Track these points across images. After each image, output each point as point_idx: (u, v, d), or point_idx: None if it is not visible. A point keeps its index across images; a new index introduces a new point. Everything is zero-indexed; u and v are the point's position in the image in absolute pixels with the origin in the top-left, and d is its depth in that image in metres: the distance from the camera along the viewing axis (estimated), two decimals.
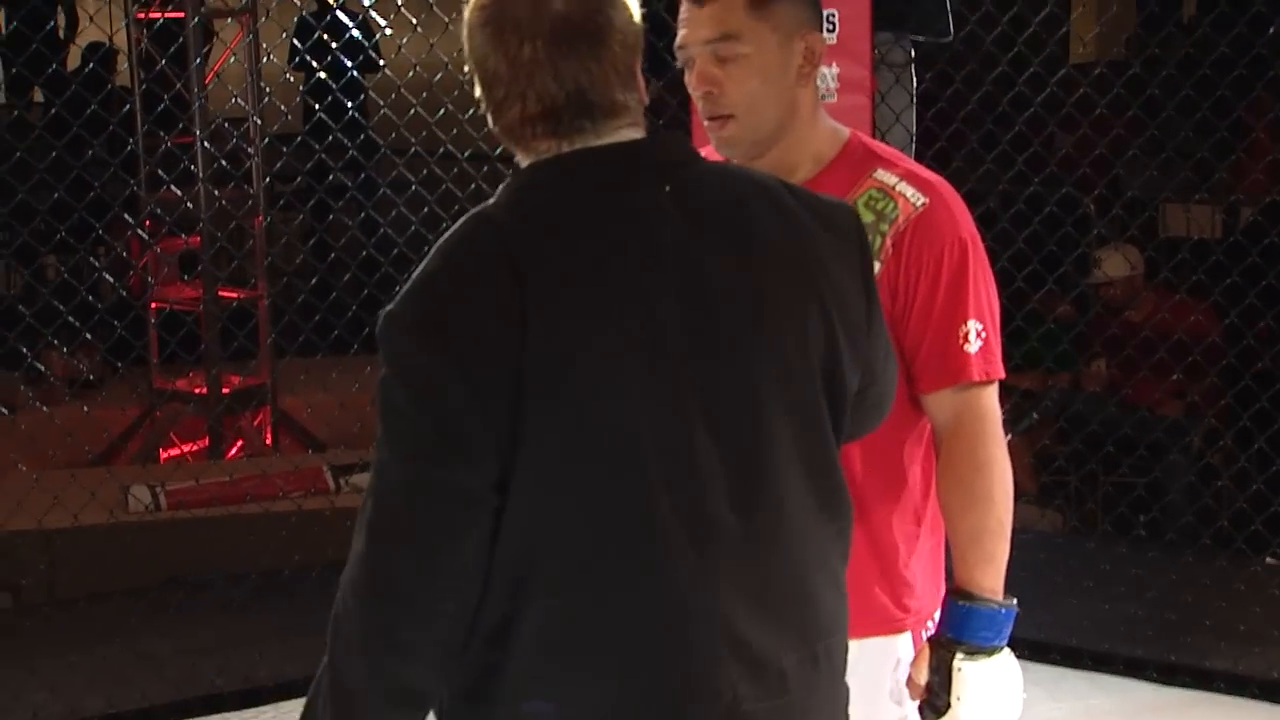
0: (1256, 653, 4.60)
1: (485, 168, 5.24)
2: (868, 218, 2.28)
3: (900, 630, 2.40)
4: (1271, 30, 4.82)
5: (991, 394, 2.32)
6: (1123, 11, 6.85)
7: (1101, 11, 6.24)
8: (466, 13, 1.79)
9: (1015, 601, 2.30)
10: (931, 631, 2.38)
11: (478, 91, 1.81)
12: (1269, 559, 5.13)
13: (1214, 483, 5.44)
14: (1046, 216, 5.01)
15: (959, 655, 2.25)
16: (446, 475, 1.69)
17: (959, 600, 2.28)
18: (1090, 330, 5.92)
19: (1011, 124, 4.92)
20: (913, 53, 4.60)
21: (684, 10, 2.31)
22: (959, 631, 2.26)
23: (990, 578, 2.28)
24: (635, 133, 1.81)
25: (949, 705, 2.25)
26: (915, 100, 4.61)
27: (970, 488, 2.28)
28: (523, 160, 1.82)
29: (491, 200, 1.80)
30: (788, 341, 1.80)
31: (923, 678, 2.29)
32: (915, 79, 4.61)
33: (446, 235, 1.77)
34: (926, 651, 2.30)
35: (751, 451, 1.78)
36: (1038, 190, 4.99)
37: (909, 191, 2.31)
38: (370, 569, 1.74)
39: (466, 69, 1.81)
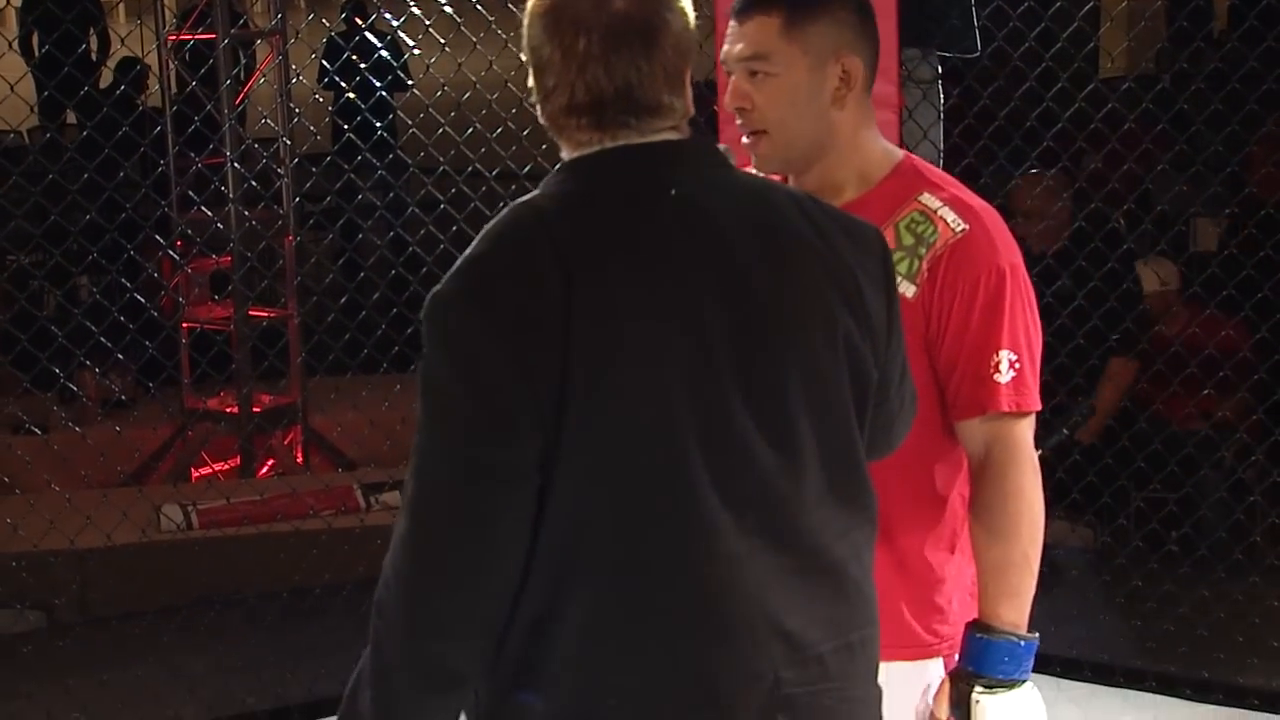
0: None
1: (513, 186, 5.25)
2: (908, 240, 2.29)
3: (931, 655, 2.38)
4: None
5: (1024, 426, 2.30)
6: (1152, 25, 6.84)
7: (1130, 26, 6.22)
8: (530, 1, 1.84)
9: (1037, 635, 2.29)
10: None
11: (530, 80, 1.86)
12: None
13: (1246, 498, 5.41)
14: (1075, 231, 4.99)
15: (978, 688, 2.25)
16: (490, 451, 1.72)
17: (978, 633, 2.27)
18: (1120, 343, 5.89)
19: (1040, 139, 4.92)
20: (939, 68, 4.60)
21: (730, 24, 2.33)
22: (978, 664, 2.25)
23: (1012, 611, 2.26)
24: (676, 135, 1.86)
25: None
26: (942, 116, 4.61)
27: (995, 520, 2.27)
28: (565, 150, 1.87)
29: (535, 192, 1.84)
30: (817, 342, 1.84)
31: (943, 712, 2.28)
32: (942, 95, 4.61)
33: (491, 224, 1.82)
34: (947, 685, 2.29)
35: (786, 445, 1.81)
36: (1067, 205, 4.97)
37: (950, 216, 2.30)
38: (413, 549, 1.76)
39: (523, 57, 1.86)
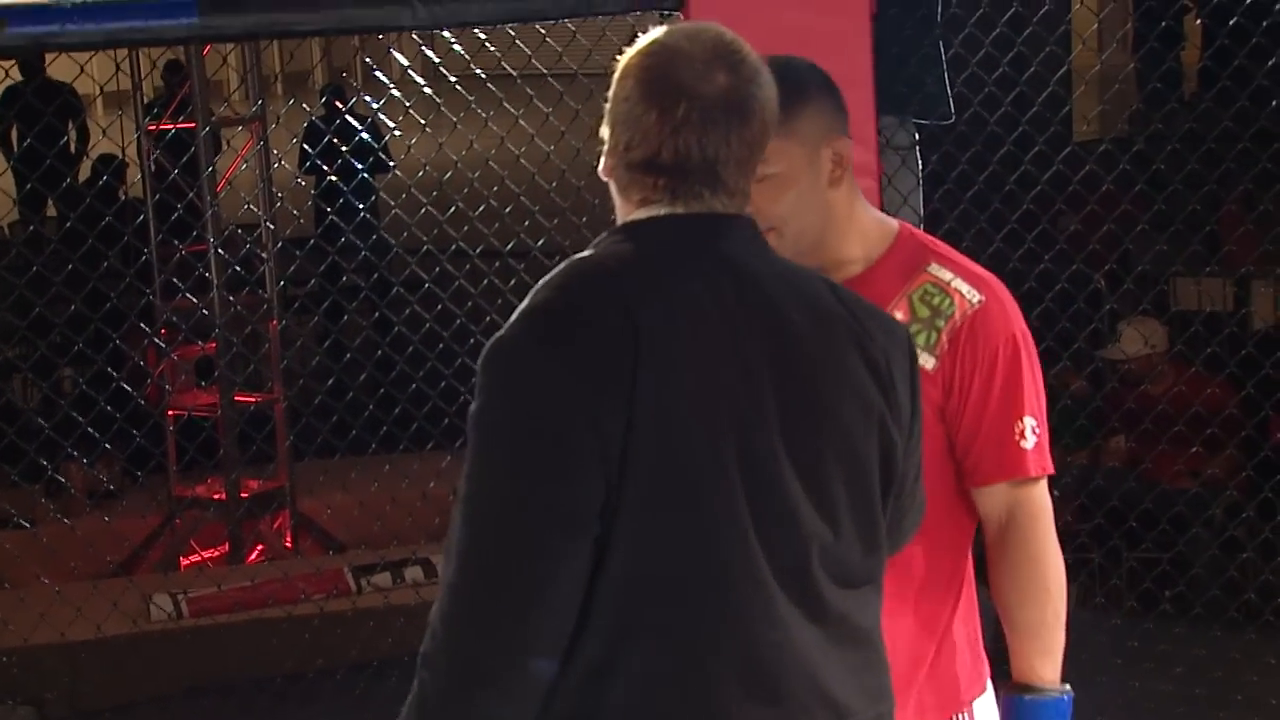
0: None
1: (497, 263, 5.27)
2: (923, 312, 2.31)
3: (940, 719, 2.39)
4: (1275, 103, 4.85)
5: (1044, 489, 2.34)
6: (1125, 89, 6.90)
7: (1103, 89, 6.29)
8: (627, 56, 1.88)
9: (1070, 689, 2.32)
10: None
11: (604, 130, 1.89)
12: None
13: (1238, 555, 5.41)
14: (1058, 293, 5.02)
15: None
16: (554, 498, 1.71)
17: (1025, 694, 2.29)
18: (1107, 405, 5.91)
19: (1019, 203, 4.95)
20: (916, 135, 4.63)
21: None
22: None
23: (1050, 670, 2.31)
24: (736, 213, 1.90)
25: None
26: (921, 181, 4.64)
27: (1027, 582, 2.31)
28: (623, 205, 1.90)
29: (594, 246, 1.87)
30: (855, 420, 1.86)
31: None
32: (921, 161, 4.64)
33: (551, 275, 1.83)
34: None
35: (827, 515, 1.83)
36: (1048, 268, 5.00)
37: (964, 288, 2.33)
38: (462, 598, 1.74)
39: (606, 108, 1.89)
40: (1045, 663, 2.30)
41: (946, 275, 2.34)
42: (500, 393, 1.75)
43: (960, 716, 2.40)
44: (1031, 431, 2.31)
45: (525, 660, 1.72)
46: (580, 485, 1.71)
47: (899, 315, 2.21)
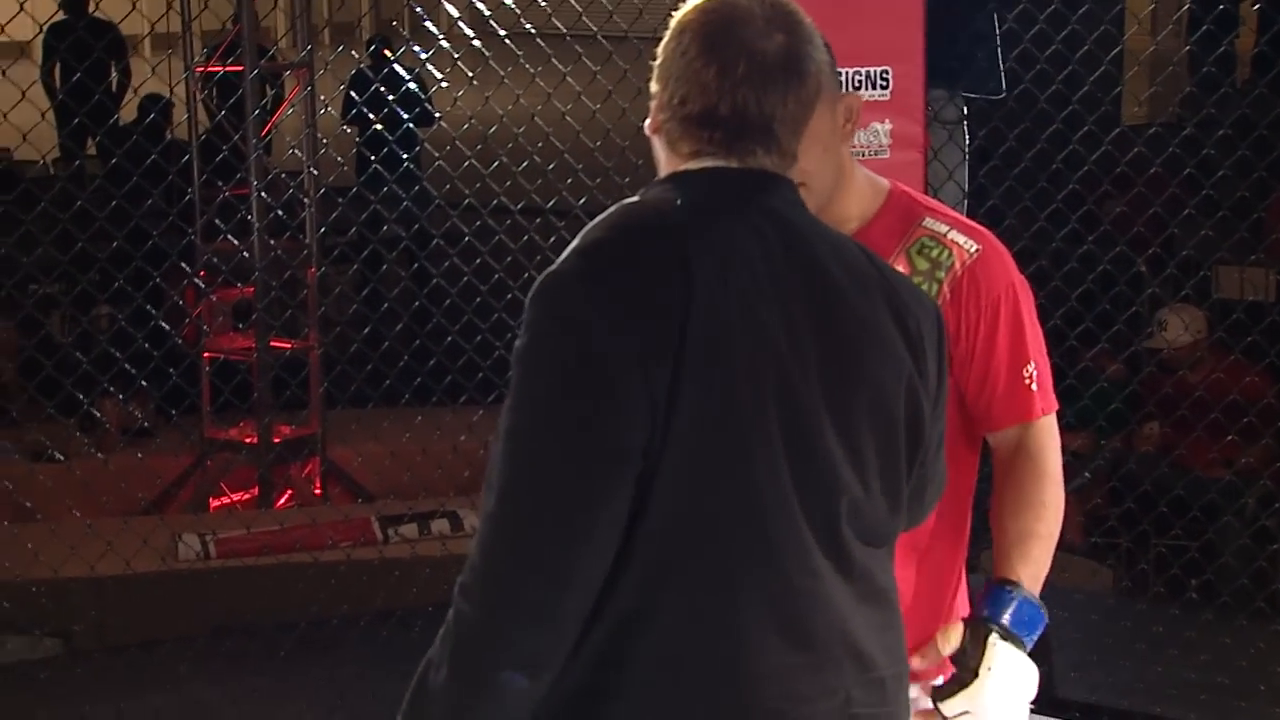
0: None
1: (538, 220, 5.27)
2: (922, 265, 2.35)
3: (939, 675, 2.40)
4: None
5: (1053, 421, 2.42)
6: (1178, 72, 6.83)
7: (1156, 72, 6.23)
8: (683, 11, 1.89)
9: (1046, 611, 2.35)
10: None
11: (654, 83, 1.90)
12: None
13: (1268, 546, 5.39)
14: (1099, 275, 4.98)
15: (994, 632, 2.28)
16: (601, 434, 1.71)
17: (1004, 586, 2.31)
18: (1144, 390, 5.88)
19: (1065, 182, 4.91)
20: (965, 110, 4.60)
21: None
22: (998, 613, 2.29)
23: (1030, 578, 2.33)
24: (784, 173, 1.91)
25: (975, 675, 2.26)
26: (968, 157, 4.61)
27: (1026, 493, 2.37)
28: (669, 157, 1.91)
29: (643, 194, 1.88)
30: (888, 380, 1.88)
31: (949, 648, 2.28)
32: (968, 136, 4.61)
33: (601, 217, 1.84)
34: (959, 626, 2.31)
35: (860, 471, 1.84)
36: (1091, 249, 4.97)
37: (960, 239, 2.38)
38: (504, 531, 1.74)
39: (655, 60, 1.90)
40: (1028, 570, 2.32)
41: (941, 228, 2.39)
42: (550, 328, 1.75)
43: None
44: (1035, 376, 2.38)
45: (565, 595, 1.72)
46: (626, 423, 1.71)
47: (899, 269, 2.22)
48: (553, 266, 1.79)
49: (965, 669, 2.27)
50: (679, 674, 1.76)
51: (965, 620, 2.32)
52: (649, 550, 1.74)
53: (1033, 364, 2.37)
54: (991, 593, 2.31)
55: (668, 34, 1.90)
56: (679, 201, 1.84)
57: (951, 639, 2.29)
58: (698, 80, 1.85)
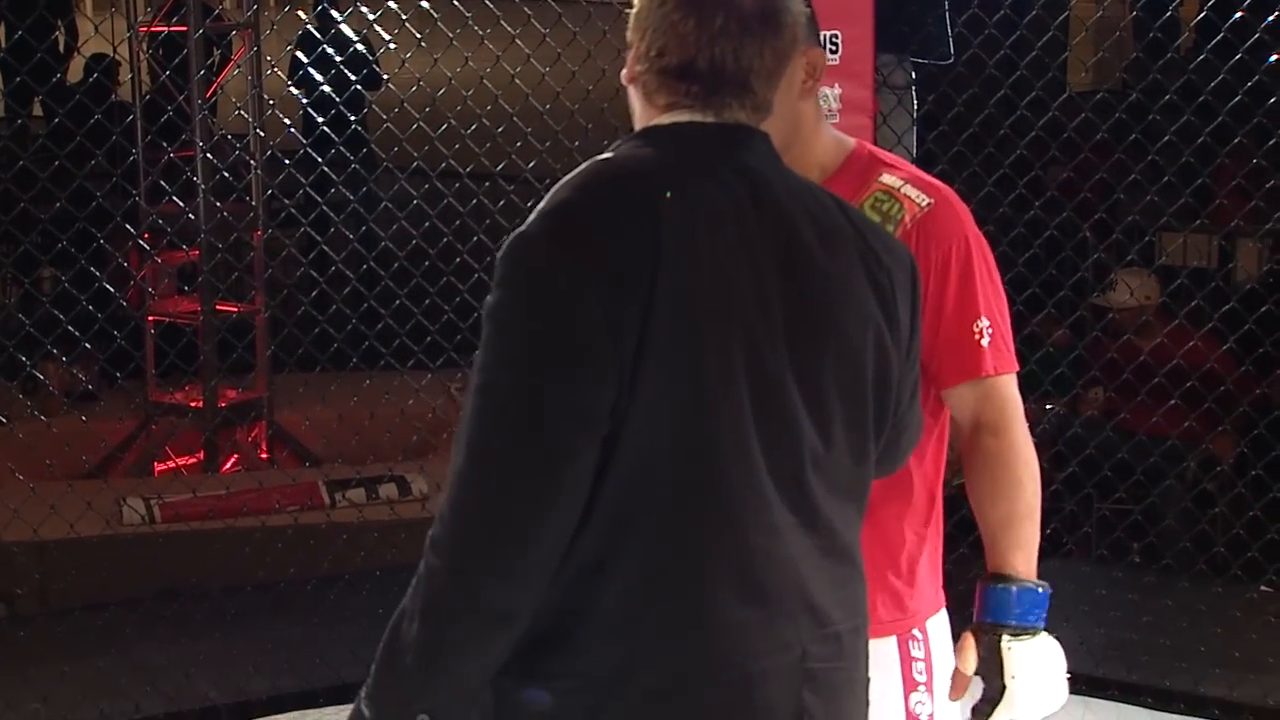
0: (1251, 679, 4.60)
1: (486, 183, 5.24)
2: (874, 219, 2.33)
3: (890, 633, 2.41)
4: (1274, 57, 4.83)
5: (1010, 383, 2.38)
6: (1123, 39, 6.87)
7: (1102, 38, 6.25)
8: None
9: (1048, 585, 2.33)
10: (922, 639, 2.43)
11: (630, 34, 1.91)
12: (1264, 586, 5.13)
13: (1209, 509, 5.44)
14: (1045, 241, 5.01)
15: (1005, 636, 2.27)
16: (570, 392, 1.73)
17: (998, 584, 2.30)
18: (1089, 355, 5.92)
19: (1012, 148, 4.93)
20: (914, 75, 4.61)
21: None
22: (1003, 615, 2.28)
23: (1024, 561, 2.31)
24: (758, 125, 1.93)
25: (1004, 688, 2.26)
26: (916, 122, 4.63)
27: (997, 476, 2.34)
28: (643, 110, 1.92)
29: (614, 150, 1.88)
30: (854, 334, 1.89)
31: (970, 666, 2.29)
32: (917, 101, 4.63)
33: (571, 175, 1.84)
34: (970, 641, 2.30)
35: (823, 427, 1.86)
36: (1038, 215, 4.99)
37: (913, 193, 2.37)
38: (474, 488, 1.76)
39: (634, 14, 1.91)
40: (1019, 555, 2.31)
41: (896, 182, 2.39)
42: (520, 288, 1.76)
43: (914, 632, 2.43)
44: (988, 331, 2.34)
45: (532, 550, 1.74)
46: (595, 383, 1.73)
47: None
48: (523, 226, 1.80)
49: (992, 685, 2.27)
50: (636, 626, 1.78)
51: (973, 630, 2.32)
52: (612, 504, 1.76)
53: (985, 319, 2.35)
54: (991, 594, 2.30)
55: None
56: (651, 160, 1.84)
57: (969, 659, 2.30)
58: (675, 32, 1.85)
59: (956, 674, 2.31)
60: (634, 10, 1.91)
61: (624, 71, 1.94)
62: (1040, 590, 2.30)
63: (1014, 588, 2.29)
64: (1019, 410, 2.38)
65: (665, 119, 1.89)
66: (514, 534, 1.74)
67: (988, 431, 2.35)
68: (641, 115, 1.92)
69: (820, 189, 2.00)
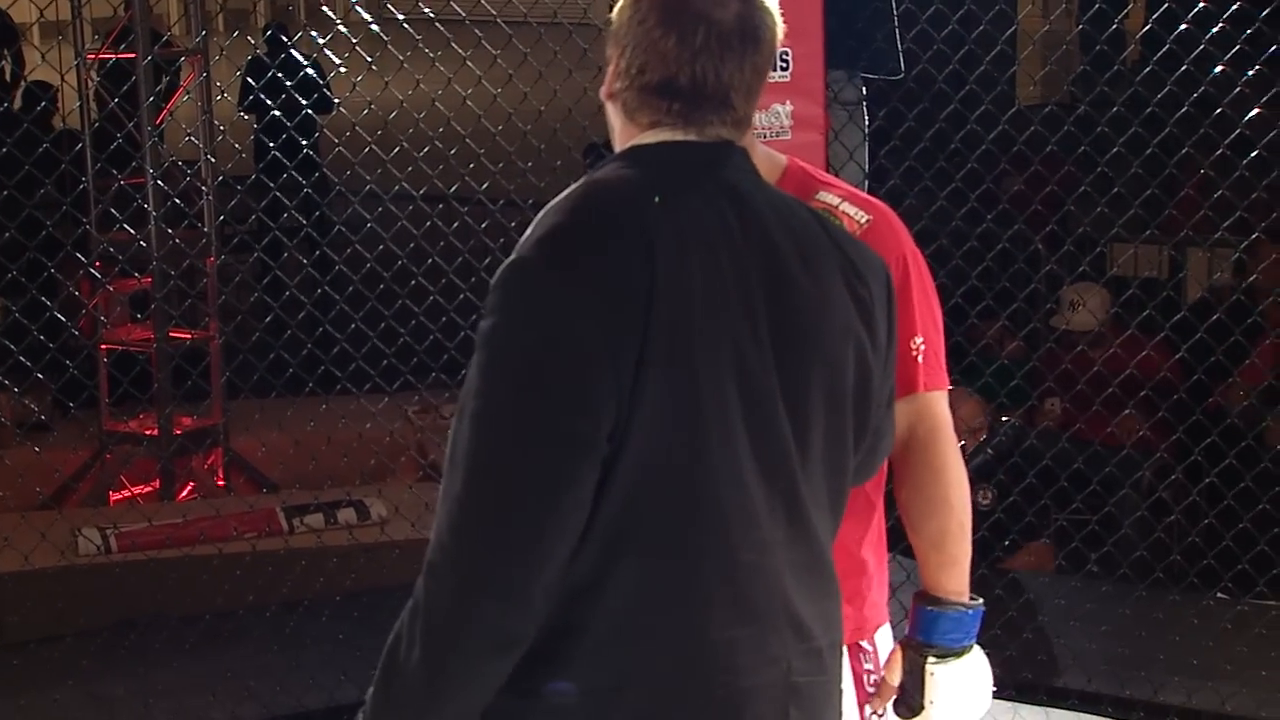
0: (1209, 687, 4.62)
1: (440, 206, 5.23)
2: None
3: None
4: (1218, 68, 4.88)
5: (941, 401, 2.42)
6: (1070, 52, 6.92)
7: (1049, 52, 6.30)
8: None
9: (981, 601, 2.37)
10: (871, 651, 2.46)
11: (610, 50, 1.92)
12: (1219, 594, 5.16)
13: (1165, 518, 5.47)
14: (998, 254, 5.04)
15: (930, 658, 2.32)
16: (568, 419, 1.73)
17: (927, 605, 2.34)
18: (1044, 366, 5.95)
19: (964, 162, 4.96)
20: (864, 90, 4.63)
21: None
22: (929, 635, 2.33)
23: (955, 580, 2.35)
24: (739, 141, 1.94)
25: (923, 707, 2.32)
26: (868, 137, 4.64)
27: (929, 495, 2.37)
28: (623, 127, 1.92)
29: (602, 171, 1.88)
30: (836, 349, 1.91)
31: (896, 678, 2.33)
32: (868, 116, 4.64)
33: (561, 199, 1.85)
34: (899, 654, 2.35)
35: (807, 443, 1.88)
36: (990, 228, 5.02)
37: (852, 210, 2.40)
38: (473, 514, 1.75)
39: (611, 24, 1.91)
40: (951, 574, 2.35)
41: (834, 200, 2.41)
42: (516, 315, 1.76)
43: (863, 644, 2.46)
44: (922, 348, 2.37)
45: (533, 574, 1.74)
46: (593, 410, 1.73)
47: None
48: (517, 252, 1.79)
49: (913, 699, 2.33)
50: (628, 644, 1.79)
51: (901, 644, 2.36)
52: (607, 526, 1.77)
53: (920, 338, 2.38)
54: (920, 615, 2.34)
55: (623, 2, 1.90)
56: (638, 180, 1.85)
57: (896, 671, 2.35)
58: (656, 49, 1.86)
59: (883, 683, 2.35)
60: (612, 27, 1.91)
61: (603, 88, 1.94)
62: (970, 611, 2.34)
63: (941, 611, 2.32)
64: (950, 427, 2.41)
65: (648, 137, 1.89)
66: (515, 559, 1.74)
67: (919, 447, 2.37)
68: (622, 132, 1.93)
69: (797, 201, 2.02)
